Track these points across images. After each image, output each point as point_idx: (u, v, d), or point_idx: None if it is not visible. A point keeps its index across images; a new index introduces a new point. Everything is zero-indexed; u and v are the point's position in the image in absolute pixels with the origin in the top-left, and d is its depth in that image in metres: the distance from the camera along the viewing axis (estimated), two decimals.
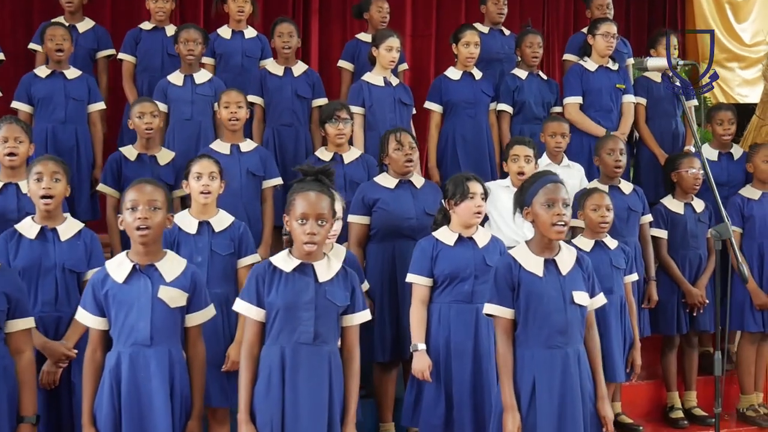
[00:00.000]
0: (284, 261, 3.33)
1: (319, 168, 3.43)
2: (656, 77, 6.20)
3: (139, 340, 3.25)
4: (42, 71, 5.44)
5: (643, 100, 6.18)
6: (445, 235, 4.16)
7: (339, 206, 4.21)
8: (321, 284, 3.31)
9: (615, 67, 6.07)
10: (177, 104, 5.50)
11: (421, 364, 4.08)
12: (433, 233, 4.21)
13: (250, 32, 6.12)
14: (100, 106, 5.54)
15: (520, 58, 6.17)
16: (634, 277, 4.73)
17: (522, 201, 3.59)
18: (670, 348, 5.40)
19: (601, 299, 3.68)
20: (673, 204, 5.36)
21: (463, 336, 4.08)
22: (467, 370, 4.08)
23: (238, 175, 4.96)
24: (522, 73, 6.09)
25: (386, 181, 4.72)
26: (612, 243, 4.68)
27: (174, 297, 3.30)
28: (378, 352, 4.67)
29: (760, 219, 5.34)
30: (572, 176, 5.39)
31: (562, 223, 3.47)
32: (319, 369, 3.29)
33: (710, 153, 5.76)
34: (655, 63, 4.29)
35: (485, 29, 6.53)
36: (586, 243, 4.64)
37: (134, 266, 3.31)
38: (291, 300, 3.27)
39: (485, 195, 4.23)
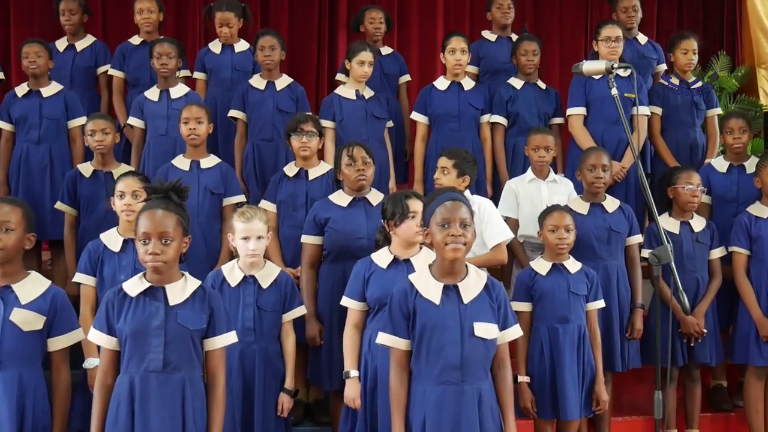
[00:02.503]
0: (133, 285, 3.14)
1: (167, 185, 3.21)
2: (671, 85, 5.70)
3: None
4: (21, 90, 5.45)
5: (658, 110, 5.68)
6: (381, 257, 3.88)
7: (261, 226, 4.04)
8: (172, 308, 3.11)
9: (625, 74, 5.59)
10: (153, 120, 5.41)
11: (353, 392, 3.82)
12: (371, 255, 3.94)
13: (240, 46, 5.97)
14: (80, 121, 5.45)
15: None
16: (599, 304, 4.29)
17: (422, 221, 3.29)
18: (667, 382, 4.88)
19: (514, 332, 3.30)
20: (668, 223, 4.85)
21: None
22: None
23: (196, 193, 4.80)
24: (518, 83, 5.71)
25: (340, 198, 4.48)
26: (573, 266, 4.27)
27: (28, 320, 3.18)
28: (325, 379, 4.43)
29: None
30: (558, 192, 5.01)
31: (458, 244, 3.14)
32: (171, 398, 3.08)
33: (720, 165, 5.23)
34: (591, 66, 3.85)
35: (492, 37, 6.23)
36: (543, 265, 4.26)
37: None
38: (139, 326, 3.08)
39: None
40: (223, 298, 3.97)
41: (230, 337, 3.23)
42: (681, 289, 3.48)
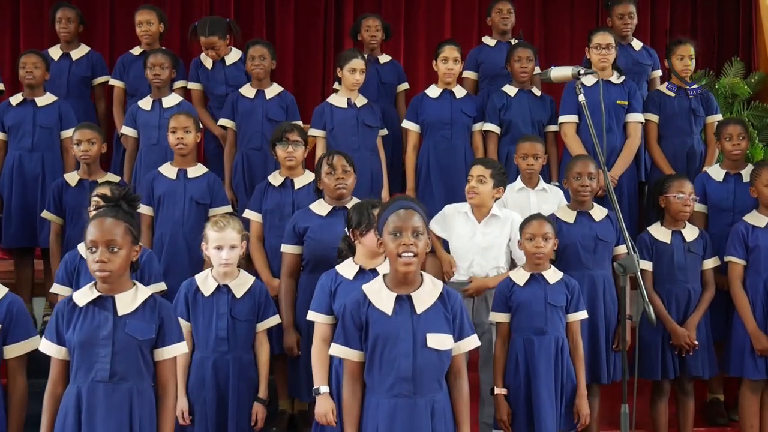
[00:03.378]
0: (83, 295, 3.12)
1: (118, 194, 3.19)
2: (669, 90, 5.58)
3: None
4: (15, 99, 5.50)
5: (654, 117, 5.57)
6: (346, 269, 3.82)
7: (234, 235, 4.01)
8: (121, 318, 3.07)
9: (618, 80, 5.50)
10: (145, 129, 5.42)
11: (323, 408, 3.75)
12: (336, 267, 3.88)
13: (232, 57, 5.92)
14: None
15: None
16: (580, 315, 4.17)
17: (376, 230, 3.24)
18: (659, 395, 4.76)
19: (471, 342, 3.22)
20: (659, 232, 4.75)
21: None
22: None
23: (182, 202, 4.82)
24: (512, 90, 5.62)
25: (320, 208, 4.45)
26: (553, 277, 4.17)
27: None
28: (303, 390, 4.37)
29: (766, 249, 4.64)
30: (547, 200, 4.95)
31: (410, 254, 3.08)
32: (118, 409, 3.05)
33: (716, 173, 5.10)
34: (559, 73, 3.76)
35: (492, 42, 6.19)
36: (521, 275, 4.18)
37: None
38: (87, 336, 3.05)
39: None
40: (197, 308, 4.01)
41: (180, 348, 3.19)
42: (647, 300, 3.37)
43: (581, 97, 3.54)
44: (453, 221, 4.61)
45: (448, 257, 4.50)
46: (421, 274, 3.19)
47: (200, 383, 3.97)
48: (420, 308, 3.13)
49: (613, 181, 5.34)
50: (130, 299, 3.10)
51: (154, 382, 3.15)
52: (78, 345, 3.05)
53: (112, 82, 6.02)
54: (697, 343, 4.61)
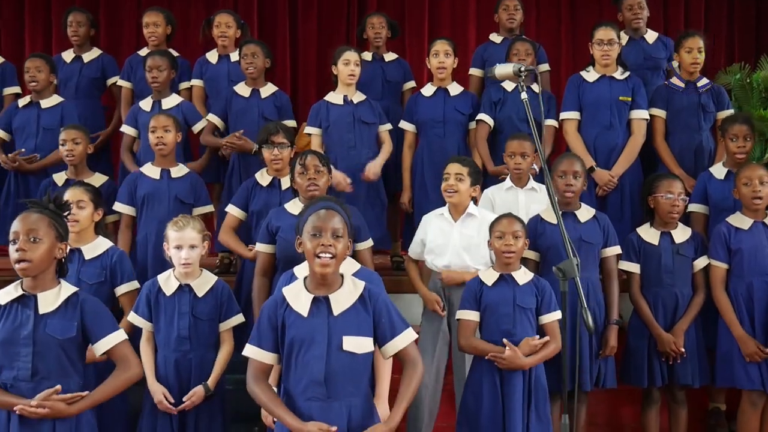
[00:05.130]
0: (6, 293, 3.13)
1: (48, 200, 3.20)
2: (678, 84, 5.35)
3: None
4: (23, 101, 5.64)
5: (661, 113, 5.34)
6: (301, 270, 3.75)
7: (194, 235, 4.01)
8: (42, 317, 3.08)
9: (622, 76, 5.30)
10: (144, 129, 5.42)
11: None
12: (294, 267, 3.84)
13: (236, 55, 5.92)
14: None
15: None
16: (554, 315, 3.98)
17: (297, 229, 3.17)
18: (648, 403, 4.58)
19: (407, 336, 3.08)
20: (648, 233, 4.56)
21: None
22: None
23: (167, 201, 4.85)
24: (509, 85, 5.46)
25: (293, 207, 4.40)
26: (523, 278, 4.03)
27: None
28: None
29: (749, 252, 4.41)
30: (536, 200, 4.79)
31: (328, 255, 3.01)
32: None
33: (719, 172, 4.86)
34: (502, 69, 3.61)
35: (498, 39, 6.03)
36: (490, 275, 4.05)
37: None
38: (9, 335, 3.07)
39: None
40: (159, 307, 4.02)
41: (117, 336, 3.16)
42: (585, 306, 3.20)
43: (524, 95, 3.40)
44: (429, 226, 4.51)
45: (432, 296, 4.41)
46: (342, 276, 3.11)
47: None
48: (337, 310, 3.04)
49: (613, 181, 5.16)
50: (52, 298, 3.10)
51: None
52: (1, 343, 3.07)
53: (120, 82, 6.10)
54: (683, 350, 4.40)
